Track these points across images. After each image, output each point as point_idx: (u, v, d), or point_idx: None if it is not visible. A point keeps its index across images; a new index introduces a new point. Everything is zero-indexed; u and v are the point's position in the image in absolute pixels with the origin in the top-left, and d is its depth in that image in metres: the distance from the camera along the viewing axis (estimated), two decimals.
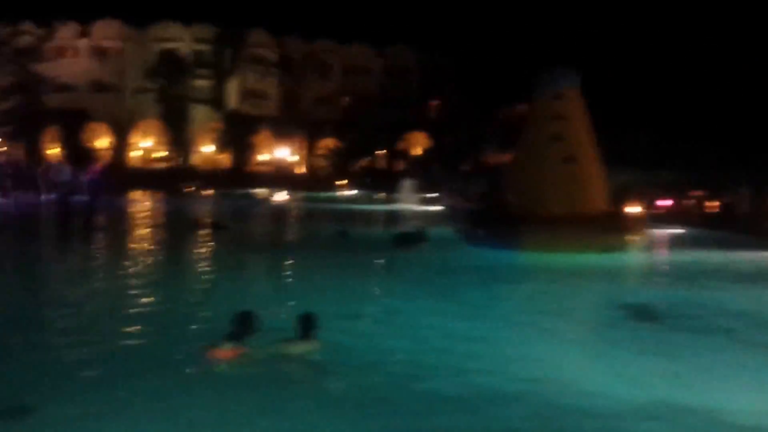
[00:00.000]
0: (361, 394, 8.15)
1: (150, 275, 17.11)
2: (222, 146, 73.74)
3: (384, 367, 9.18)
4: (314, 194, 55.25)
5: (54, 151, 71.62)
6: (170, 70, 68.92)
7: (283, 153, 77.23)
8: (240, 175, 67.31)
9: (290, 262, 19.18)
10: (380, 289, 15.24)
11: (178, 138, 71.68)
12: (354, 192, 58.78)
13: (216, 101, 74.17)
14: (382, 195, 51.17)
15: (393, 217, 35.82)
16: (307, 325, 9.54)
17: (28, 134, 68.80)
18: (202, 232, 26.00)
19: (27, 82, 68.19)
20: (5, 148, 65.99)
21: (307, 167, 78.57)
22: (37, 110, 67.89)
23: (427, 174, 53.33)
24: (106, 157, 72.07)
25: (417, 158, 71.15)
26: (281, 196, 51.00)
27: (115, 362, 9.09)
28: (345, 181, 64.98)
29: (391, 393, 8.23)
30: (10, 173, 43.58)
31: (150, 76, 69.10)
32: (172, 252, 21.79)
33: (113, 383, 8.17)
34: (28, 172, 46.13)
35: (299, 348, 9.50)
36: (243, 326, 9.15)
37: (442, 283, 15.67)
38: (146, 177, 64.13)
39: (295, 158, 79.16)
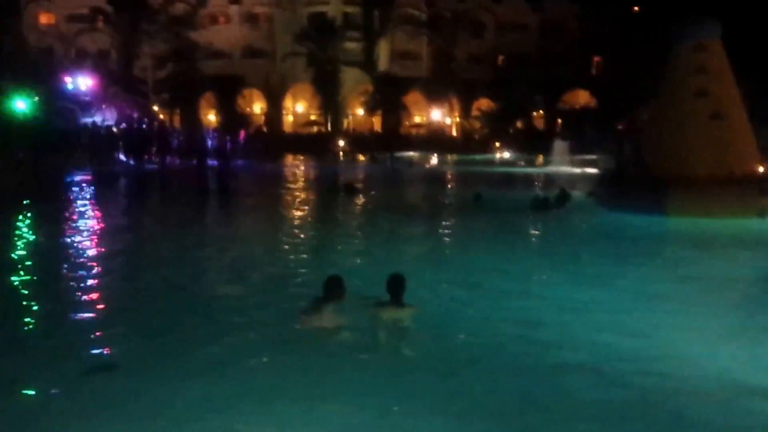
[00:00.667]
0: (443, 367, 7.79)
1: (251, 238, 17.66)
2: (372, 109, 73.50)
3: (480, 339, 8.82)
4: (467, 157, 54.40)
5: (209, 117, 74.06)
6: (320, 33, 68.91)
7: (436, 115, 76.19)
8: (391, 139, 67.01)
9: (409, 226, 19.09)
10: (500, 256, 14.68)
11: (329, 102, 71.93)
12: (508, 154, 57.18)
13: (366, 63, 74.05)
14: (539, 157, 49.47)
15: (539, 180, 34.73)
16: (395, 289, 9.27)
17: (184, 101, 71.05)
18: (334, 195, 26.88)
19: (182, 49, 69.81)
20: (162, 116, 68.77)
21: (460, 129, 77.35)
22: (193, 77, 69.60)
23: (581, 135, 51.11)
24: (259, 122, 74.06)
25: (570, 118, 68.34)
26: (431, 159, 50.40)
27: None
28: (498, 143, 63.42)
29: (478, 364, 7.96)
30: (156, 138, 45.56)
31: (300, 40, 69.36)
32: (292, 213, 22.43)
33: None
34: (170, 136, 48.30)
35: (390, 313, 9.29)
36: (331, 291, 9.12)
37: (569, 251, 15.05)
38: (297, 141, 65.31)
39: (448, 120, 78.01)
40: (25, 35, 66.27)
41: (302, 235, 17.76)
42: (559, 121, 72.85)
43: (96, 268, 13.10)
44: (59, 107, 46.86)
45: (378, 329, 9.19)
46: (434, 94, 74.32)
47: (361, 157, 55.23)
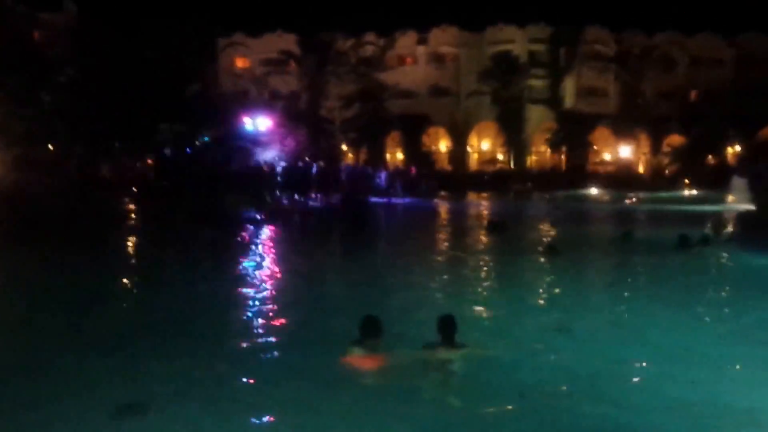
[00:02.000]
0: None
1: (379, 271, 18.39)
2: (556, 146, 74.65)
3: (541, 390, 8.43)
4: (655, 194, 54.01)
5: (396, 155, 77.40)
6: (504, 71, 71.06)
7: (624, 152, 76.17)
8: (576, 176, 67.97)
9: (545, 263, 19.29)
10: (615, 297, 14.67)
11: (514, 139, 73.86)
12: (696, 191, 56.56)
13: (551, 101, 75.44)
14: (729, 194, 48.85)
15: (704, 218, 33.97)
16: (446, 330, 9.09)
17: (371, 140, 74.17)
18: (480, 231, 27.45)
19: (370, 90, 72.80)
20: (350, 154, 72.21)
21: (649, 166, 76.85)
22: (380, 116, 72.48)
23: (754, 170, 49.82)
24: (443, 161, 76.50)
25: (745, 154, 66.59)
26: (627, 198, 50.77)
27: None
28: (688, 180, 62.70)
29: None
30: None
31: (484, 79, 71.64)
32: (430, 250, 23.04)
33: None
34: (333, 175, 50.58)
35: (440, 355, 8.98)
36: (367, 330, 9.17)
37: (688, 296, 14.45)
38: (478, 179, 67.37)
39: (637, 157, 77.74)
40: (219, 79, 71.92)
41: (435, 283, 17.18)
42: (736, 156, 71.07)
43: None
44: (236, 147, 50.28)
45: (427, 371, 8.91)
46: (622, 131, 74.41)
47: (542, 195, 55.84)
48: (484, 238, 25.64)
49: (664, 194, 54.60)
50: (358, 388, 8.48)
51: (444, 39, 79.29)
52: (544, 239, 25.01)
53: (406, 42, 79.54)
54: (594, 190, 60.45)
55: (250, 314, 13.25)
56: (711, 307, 13.69)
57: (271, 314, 13.27)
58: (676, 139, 74.65)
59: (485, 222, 29.49)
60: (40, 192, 34.73)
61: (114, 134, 53.30)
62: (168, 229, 28.28)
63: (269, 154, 54.11)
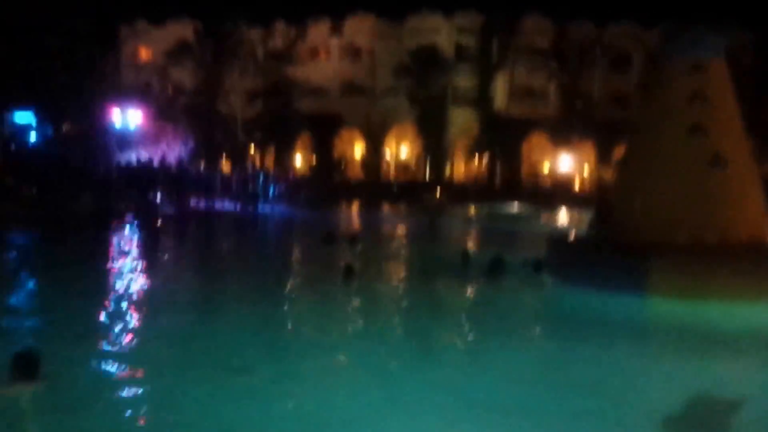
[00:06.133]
0: None
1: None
2: (483, 154, 70.96)
3: None
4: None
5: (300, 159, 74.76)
6: (423, 67, 67.08)
7: (564, 162, 71.61)
8: (503, 189, 64.62)
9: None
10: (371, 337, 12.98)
11: (432, 145, 69.90)
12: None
13: (479, 102, 71.26)
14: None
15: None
16: (26, 367, 8.26)
17: (277, 141, 71.43)
18: (320, 244, 26.09)
19: (276, 85, 69.93)
20: (254, 156, 69.16)
21: (593, 180, 72.50)
22: (287, 115, 69.48)
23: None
24: (355, 166, 73.38)
25: None
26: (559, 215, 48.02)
27: None
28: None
29: None
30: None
31: (400, 75, 67.76)
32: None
33: None
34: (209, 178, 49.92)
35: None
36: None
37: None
38: (388, 189, 63.72)
39: (579, 168, 73.37)
40: (119, 70, 68.93)
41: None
42: None
43: None
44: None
45: None
46: (561, 138, 69.97)
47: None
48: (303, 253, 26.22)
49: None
50: None
51: (360, 29, 75.20)
52: (358, 258, 23.24)
53: (318, 32, 75.89)
54: (515, 206, 56.40)
55: None
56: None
57: None
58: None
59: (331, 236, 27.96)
60: None
61: None
62: None
63: (139, 153, 53.35)
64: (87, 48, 56.57)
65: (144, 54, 78.37)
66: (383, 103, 72.62)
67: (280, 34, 73.81)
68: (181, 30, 72.37)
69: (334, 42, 76.28)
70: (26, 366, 8.24)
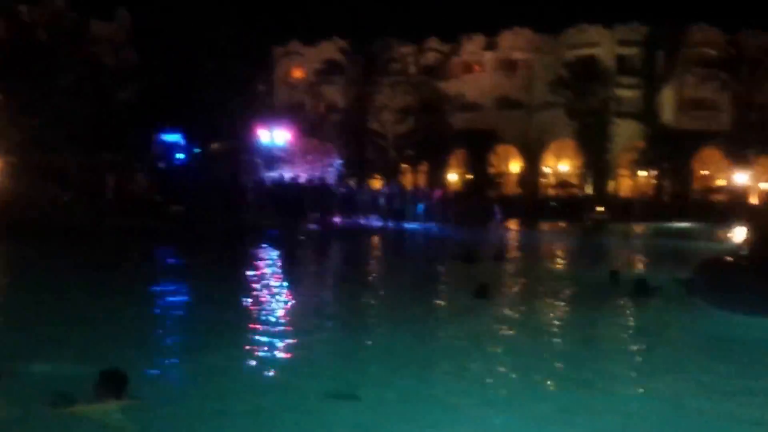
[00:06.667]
0: None
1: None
2: (649, 169, 68.25)
3: None
4: None
5: (454, 176, 74.07)
6: (581, 79, 65.10)
7: (739, 178, 67.06)
8: (674, 205, 61.61)
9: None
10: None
11: (595, 159, 67.57)
12: None
13: (643, 115, 68.23)
14: None
15: None
16: (111, 385, 8.72)
17: (430, 157, 70.74)
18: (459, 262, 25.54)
19: (429, 101, 69.61)
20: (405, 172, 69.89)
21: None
22: (440, 131, 68.89)
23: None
24: (511, 182, 72.01)
25: None
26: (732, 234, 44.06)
27: None
28: None
29: None
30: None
31: (559, 88, 65.88)
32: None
33: None
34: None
35: (100, 408, 8.65)
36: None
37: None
38: (545, 205, 62.57)
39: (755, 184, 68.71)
40: (274, 90, 70.96)
41: None
42: None
43: None
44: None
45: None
46: (737, 152, 65.80)
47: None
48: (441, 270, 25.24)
49: None
50: None
51: (515, 42, 73.91)
52: (499, 276, 22.75)
53: (472, 46, 75.20)
54: (686, 224, 52.94)
55: None
56: None
57: None
58: None
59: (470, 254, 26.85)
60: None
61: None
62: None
63: (287, 170, 54.12)
64: (241, 69, 57.16)
65: (297, 73, 79.72)
66: (540, 116, 71.12)
67: (433, 49, 73.74)
68: (332, 49, 74.13)
69: (489, 56, 75.13)
70: (113, 384, 8.65)
